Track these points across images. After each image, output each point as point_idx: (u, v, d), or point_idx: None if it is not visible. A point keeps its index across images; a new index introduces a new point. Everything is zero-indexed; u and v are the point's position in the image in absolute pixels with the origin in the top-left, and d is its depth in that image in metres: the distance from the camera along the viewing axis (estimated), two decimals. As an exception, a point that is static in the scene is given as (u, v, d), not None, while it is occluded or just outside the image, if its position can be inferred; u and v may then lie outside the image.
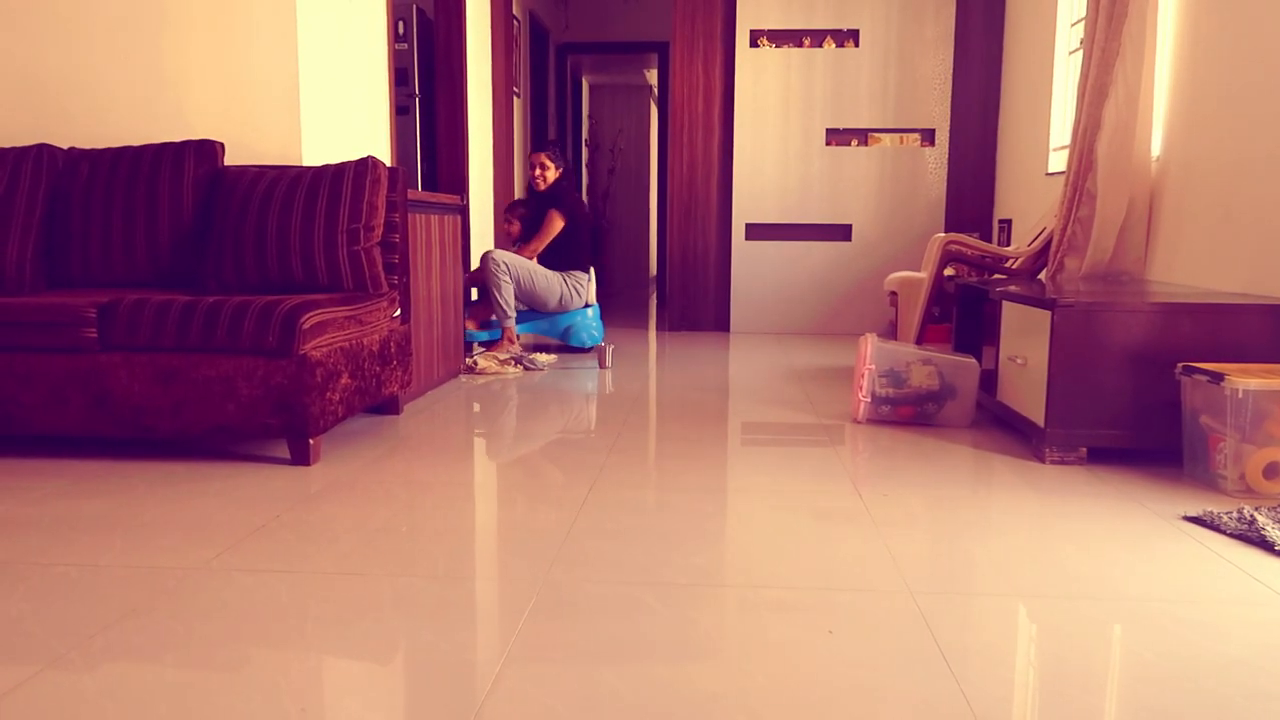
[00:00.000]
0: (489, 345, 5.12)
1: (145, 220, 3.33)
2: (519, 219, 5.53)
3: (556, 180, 5.29)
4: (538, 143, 5.55)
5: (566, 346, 5.48)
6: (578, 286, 5.28)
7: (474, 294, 5.47)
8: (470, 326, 5.24)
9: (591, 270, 5.42)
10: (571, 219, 5.25)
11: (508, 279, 5.03)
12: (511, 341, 5.07)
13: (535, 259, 5.22)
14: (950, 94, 6.18)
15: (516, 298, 5.12)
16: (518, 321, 5.24)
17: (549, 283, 5.17)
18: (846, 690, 1.49)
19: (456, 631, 1.70)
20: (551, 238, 5.22)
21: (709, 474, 2.78)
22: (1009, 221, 5.86)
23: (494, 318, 5.19)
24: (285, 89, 3.57)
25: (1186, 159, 3.67)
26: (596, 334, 5.40)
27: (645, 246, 11.81)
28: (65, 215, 3.37)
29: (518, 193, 7.28)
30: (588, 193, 11.27)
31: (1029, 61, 5.63)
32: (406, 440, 3.18)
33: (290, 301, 2.79)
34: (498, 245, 5.95)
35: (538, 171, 5.29)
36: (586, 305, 5.38)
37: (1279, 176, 3.09)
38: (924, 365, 3.43)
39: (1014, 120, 5.91)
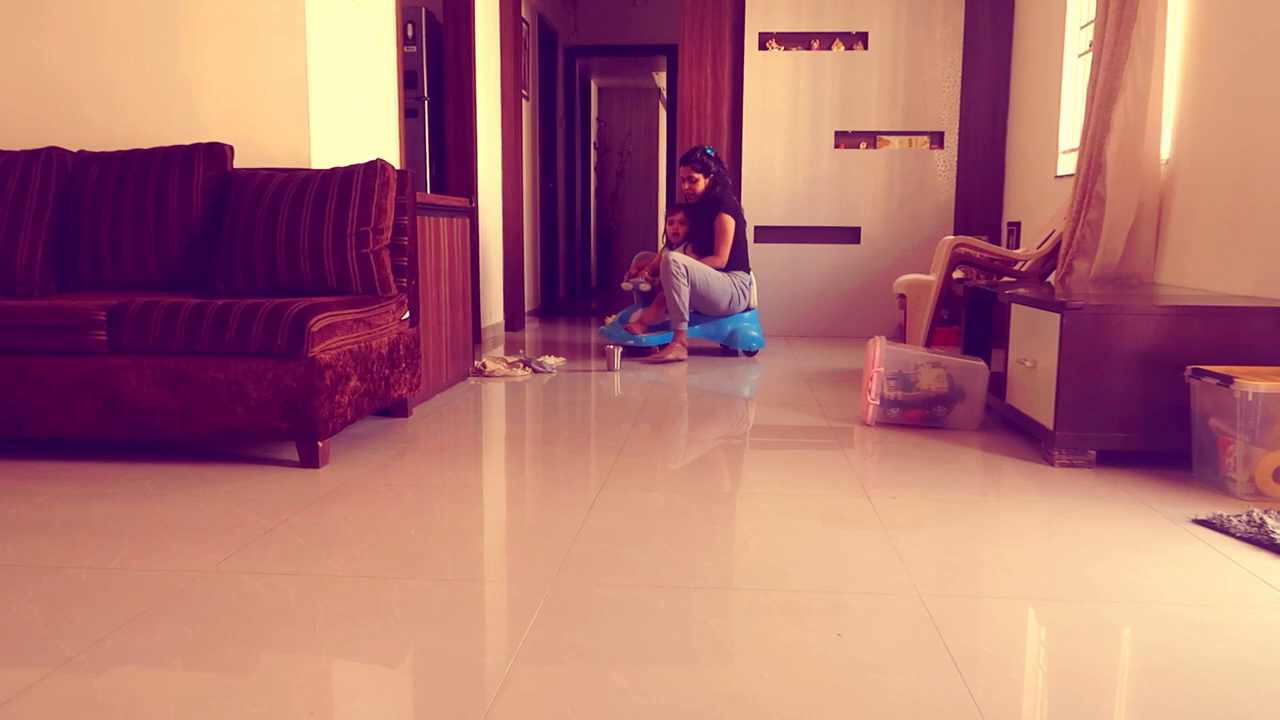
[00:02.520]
0: (662, 349, 5.13)
1: (154, 223, 3.34)
2: (683, 226, 5.46)
3: (709, 187, 5.24)
4: (685, 154, 5.32)
5: (732, 350, 5.40)
6: (744, 288, 5.25)
7: (634, 296, 5.53)
8: (636, 330, 5.27)
9: (751, 273, 5.38)
10: (738, 221, 5.22)
11: (686, 282, 5.03)
12: (683, 345, 5.12)
13: (702, 261, 5.19)
14: (959, 97, 6.18)
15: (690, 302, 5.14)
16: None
17: (722, 285, 5.15)
18: (855, 693, 1.48)
19: (465, 634, 1.70)
20: (731, 242, 5.18)
21: (717, 476, 2.78)
22: (1018, 224, 5.85)
23: (665, 319, 5.25)
24: (294, 92, 3.58)
25: (1196, 162, 3.66)
26: (758, 337, 5.33)
27: (653, 248, 11.80)
28: (75, 218, 3.38)
29: (526, 196, 7.28)
30: (596, 196, 11.28)
31: (1038, 64, 5.62)
32: (415, 443, 3.19)
33: (299, 304, 2.80)
34: (655, 250, 5.94)
35: (687, 185, 5.26)
36: (747, 309, 5.32)
37: (1289, 179, 3.08)
38: (933, 368, 3.43)
39: (1023, 123, 5.90)
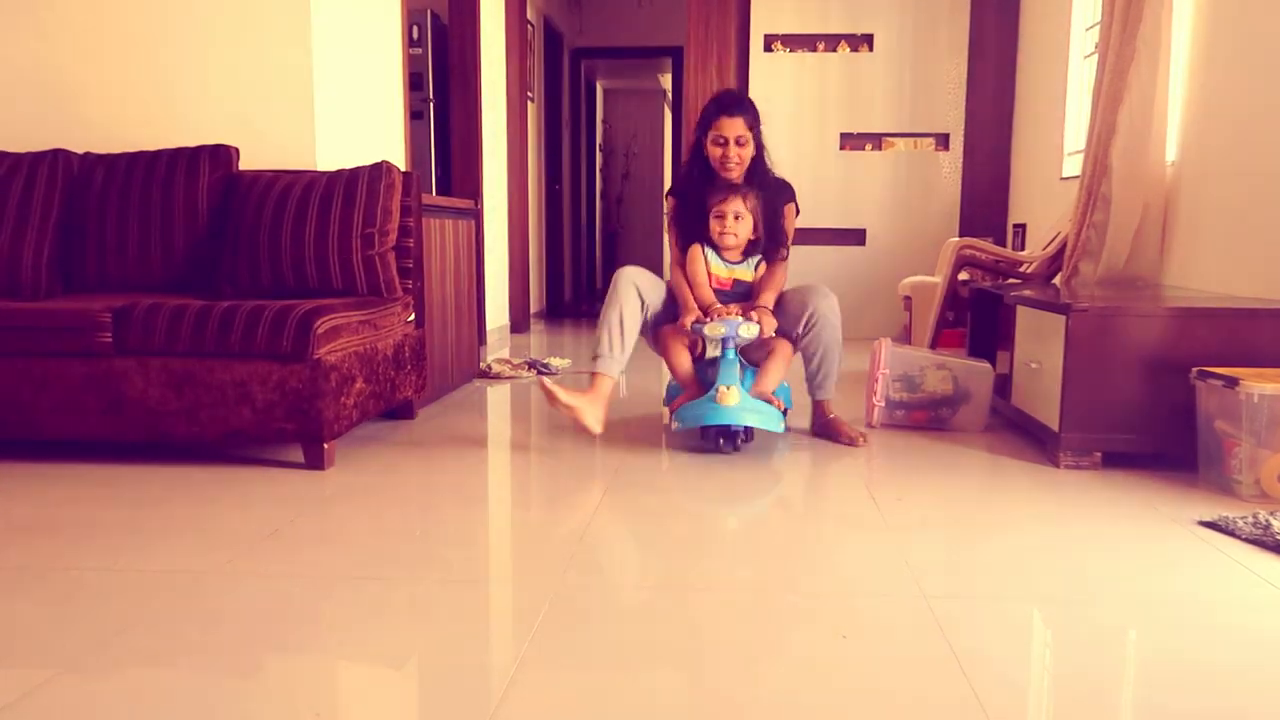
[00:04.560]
0: (836, 423, 3.24)
1: (160, 225, 3.35)
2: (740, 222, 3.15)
3: (759, 156, 3.25)
4: (725, 97, 3.23)
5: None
6: None
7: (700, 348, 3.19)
8: (771, 399, 3.12)
9: None
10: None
11: None
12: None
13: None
14: (965, 98, 6.17)
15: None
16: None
17: None
18: (860, 695, 1.48)
19: (471, 636, 1.70)
20: None
21: (722, 478, 2.78)
22: (1023, 226, 5.85)
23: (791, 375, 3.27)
24: (299, 93, 3.58)
25: (1201, 164, 3.66)
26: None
27: (659, 251, 11.80)
28: (81, 220, 3.39)
29: (531, 197, 7.26)
30: (601, 198, 11.28)
31: (1043, 66, 5.61)
32: (421, 444, 3.19)
33: (305, 306, 2.80)
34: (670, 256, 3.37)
35: (733, 150, 3.15)
36: None
37: (1295, 180, 3.08)
38: (938, 370, 3.43)
39: (1028, 125, 5.89)
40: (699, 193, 3.23)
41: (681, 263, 3.23)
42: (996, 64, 6.16)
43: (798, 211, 3.33)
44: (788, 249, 3.27)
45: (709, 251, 3.18)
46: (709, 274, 3.17)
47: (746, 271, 3.20)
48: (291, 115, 3.60)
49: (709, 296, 3.13)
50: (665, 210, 3.28)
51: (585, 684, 1.52)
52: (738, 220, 3.12)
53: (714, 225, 3.15)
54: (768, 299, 3.13)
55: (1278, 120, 3.17)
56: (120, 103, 3.65)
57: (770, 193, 3.23)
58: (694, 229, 3.24)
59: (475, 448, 3.20)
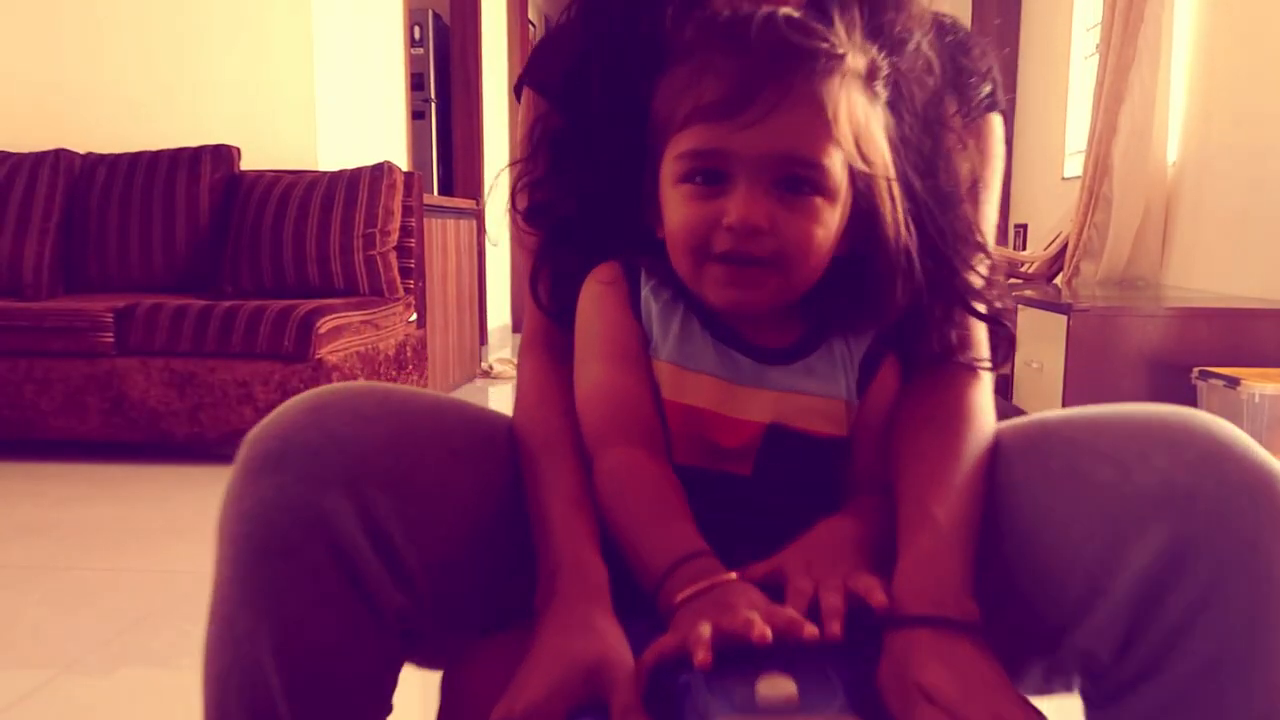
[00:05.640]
0: None
1: (162, 225, 3.35)
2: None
3: None
4: None
5: None
6: None
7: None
8: None
9: None
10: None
11: None
12: None
13: None
14: (966, 98, 6.16)
15: None
16: None
17: None
18: (859, 697, 1.48)
19: (470, 636, 1.70)
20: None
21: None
22: (1024, 226, 5.84)
23: None
24: (301, 94, 3.59)
25: (1203, 164, 3.65)
26: None
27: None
28: (83, 220, 3.39)
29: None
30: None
31: (1044, 66, 5.61)
32: (421, 444, 3.19)
33: (306, 306, 2.81)
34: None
35: None
36: None
37: (1297, 181, 3.07)
38: (939, 370, 3.41)
39: (1029, 124, 5.88)
40: (640, 57, 0.76)
41: (549, 349, 0.85)
42: (997, 64, 6.15)
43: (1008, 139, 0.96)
44: (1005, 297, 0.85)
45: (658, 304, 0.75)
46: (661, 401, 0.73)
47: (812, 391, 0.76)
48: (293, 115, 3.60)
49: (681, 524, 0.69)
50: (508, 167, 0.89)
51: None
52: (826, 204, 0.72)
53: (692, 206, 0.71)
54: (937, 551, 0.69)
55: (1278, 121, 3.16)
56: (122, 103, 3.65)
57: (915, 55, 0.79)
58: (610, 215, 0.79)
59: (476, 448, 3.19)
